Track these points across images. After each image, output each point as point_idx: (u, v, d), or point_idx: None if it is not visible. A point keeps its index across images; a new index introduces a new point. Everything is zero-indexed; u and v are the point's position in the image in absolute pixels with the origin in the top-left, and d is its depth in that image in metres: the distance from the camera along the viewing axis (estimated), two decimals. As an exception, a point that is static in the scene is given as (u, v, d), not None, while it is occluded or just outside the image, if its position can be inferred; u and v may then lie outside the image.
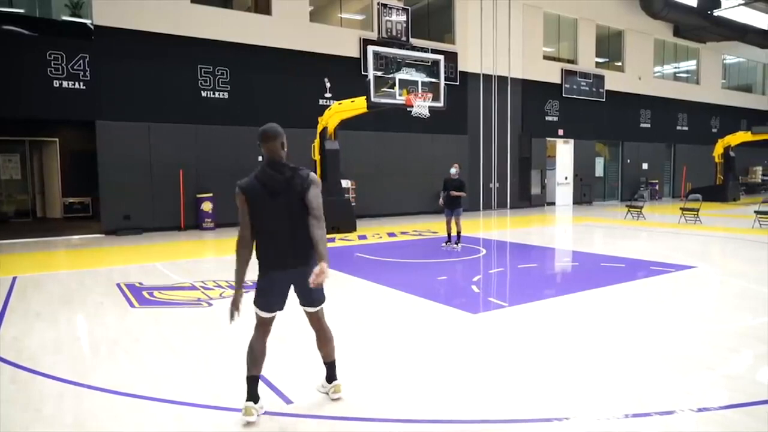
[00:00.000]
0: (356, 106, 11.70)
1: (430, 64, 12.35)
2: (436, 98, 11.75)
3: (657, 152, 24.19)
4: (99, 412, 3.20)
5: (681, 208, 14.23)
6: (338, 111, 12.17)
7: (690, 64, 26.04)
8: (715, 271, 7.70)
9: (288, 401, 3.32)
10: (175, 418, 3.14)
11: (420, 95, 11.42)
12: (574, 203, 21.21)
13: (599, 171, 22.74)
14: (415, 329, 4.94)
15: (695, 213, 13.58)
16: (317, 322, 3.29)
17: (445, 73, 12.39)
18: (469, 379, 3.69)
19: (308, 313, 3.24)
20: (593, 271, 7.85)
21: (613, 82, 21.91)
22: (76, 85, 11.75)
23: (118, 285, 6.88)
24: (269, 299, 3.08)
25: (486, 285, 6.95)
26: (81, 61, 11.75)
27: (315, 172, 12.44)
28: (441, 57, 12.36)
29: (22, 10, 11.72)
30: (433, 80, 12.08)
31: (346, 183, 14.04)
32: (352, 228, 12.56)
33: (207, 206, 12.96)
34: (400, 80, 11.53)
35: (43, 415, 3.18)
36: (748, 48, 26.53)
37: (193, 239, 11.57)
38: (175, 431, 3.00)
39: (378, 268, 8.08)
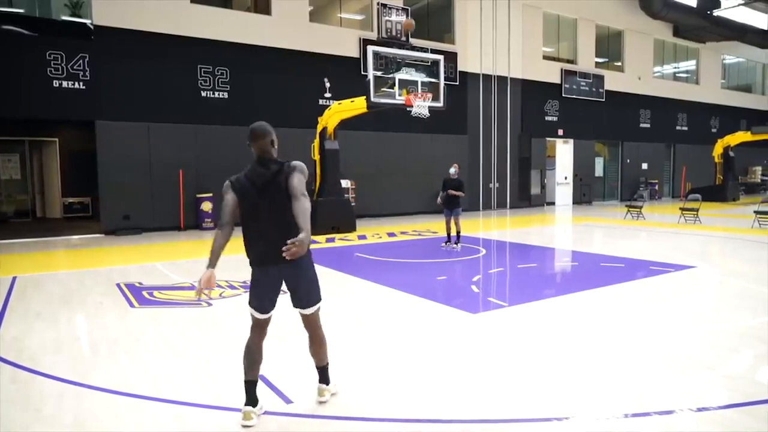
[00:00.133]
0: (356, 106, 11.70)
1: (429, 64, 12.35)
2: (435, 98, 11.75)
3: (656, 152, 24.20)
4: (99, 412, 3.20)
5: (680, 208, 14.24)
6: (338, 111, 12.17)
7: (690, 64, 26.05)
8: (715, 271, 7.70)
9: (288, 401, 3.32)
10: (175, 418, 3.14)
11: (420, 95, 11.42)
12: (573, 203, 21.22)
13: (599, 171, 22.75)
14: (415, 329, 4.94)
15: (695, 213, 13.59)
16: (311, 325, 3.21)
17: (444, 73, 12.39)
18: (468, 378, 3.69)
19: (303, 316, 3.17)
20: (593, 271, 7.85)
21: (613, 82, 21.92)
22: (76, 85, 11.75)
23: (118, 285, 6.88)
24: (261, 298, 3.05)
25: (486, 285, 6.95)
26: (81, 61, 11.75)
27: (315, 171, 12.53)
28: (441, 57, 12.36)
29: (21, 10, 11.72)
30: (433, 80, 12.09)
31: (345, 183, 14.05)
32: (351, 228, 12.56)
33: (207, 206, 12.96)
34: (399, 80, 11.53)
35: (43, 415, 3.18)
36: (747, 48, 26.55)
37: (193, 239, 11.57)
38: (175, 431, 3.00)
39: (378, 268, 8.09)
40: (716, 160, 22.06)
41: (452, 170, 9.54)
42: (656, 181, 23.86)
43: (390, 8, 12.53)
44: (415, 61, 12.12)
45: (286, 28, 14.29)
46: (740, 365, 3.98)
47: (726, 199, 21.17)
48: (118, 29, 12.05)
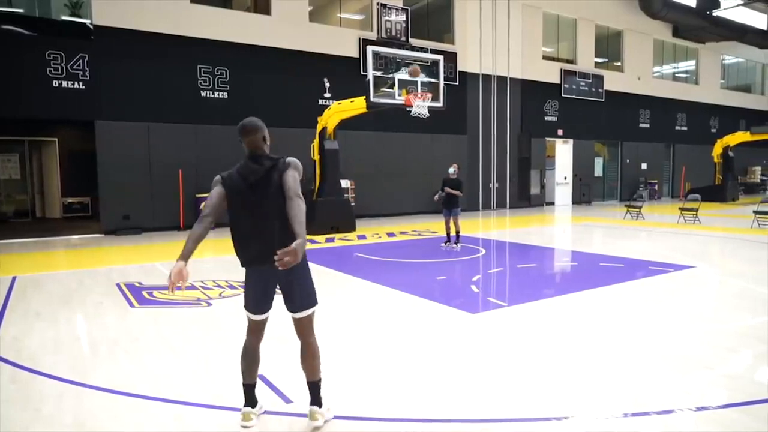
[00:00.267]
0: (356, 106, 11.70)
1: (429, 64, 12.35)
2: (435, 98, 11.75)
3: (656, 152, 24.21)
4: (99, 412, 3.21)
5: (680, 208, 14.25)
6: (338, 111, 12.17)
7: (689, 64, 26.07)
8: (714, 271, 7.71)
9: (288, 401, 3.32)
10: (175, 417, 3.14)
11: (419, 95, 11.42)
12: (573, 203, 21.23)
13: (598, 171, 22.76)
14: (415, 329, 4.94)
15: (694, 213, 13.60)
16: (304, 331, 2.99)
17: (444, 73, 12.39)
18: (468, 378, 3.69)
19: (294, 320, 2.98)
20: (592, 271, 7.86)
21: (613, 82, 21.93)
22: (76, 85, 11.75)
23: (118, 285, 6.88)
24: (255, 299, 2.96)
25: (485, 285, 6.96)
26: (80, 60, 11.75)
27: (314, 171, 12.53)
28: (440, 57, 12.37)
29: (21, 10, 11.72)
30: (433, 80, 12.09)
31: (345, 183, 14.05)
32: (351, 228, 12.57)
33: (206, 206, 12.94)
34: (399, 80, 11.53)
35: (43, 414, 3.18)
36: (747, 48, 26.56)
37: (193, 239, 11.56)
38: (175, 431, 3.00)
39: (377, 268, 8.09)
40: (716, 160, 22.08)
41: (451, 170, 9.55)
42: (656, 181, 23.88)
43: (390, 8, 12.55)
44: (415, 61, 12.12)
45: (286, 28, 14.29)
46: (739, 365, 3.98)
47: (725, 199, 21.18)
48: (117, 29, 12.04)
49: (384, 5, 12.46)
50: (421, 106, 11.36)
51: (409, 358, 4.13)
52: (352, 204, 13.90)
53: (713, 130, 26.17)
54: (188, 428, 3.02)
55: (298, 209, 2.68)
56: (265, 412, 3.14)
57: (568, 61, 21.00)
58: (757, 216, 12.64)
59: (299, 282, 2.91)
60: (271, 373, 3.68)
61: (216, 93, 13.39)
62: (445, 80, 12.38)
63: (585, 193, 21.56)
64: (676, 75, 25.71)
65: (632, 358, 4.06)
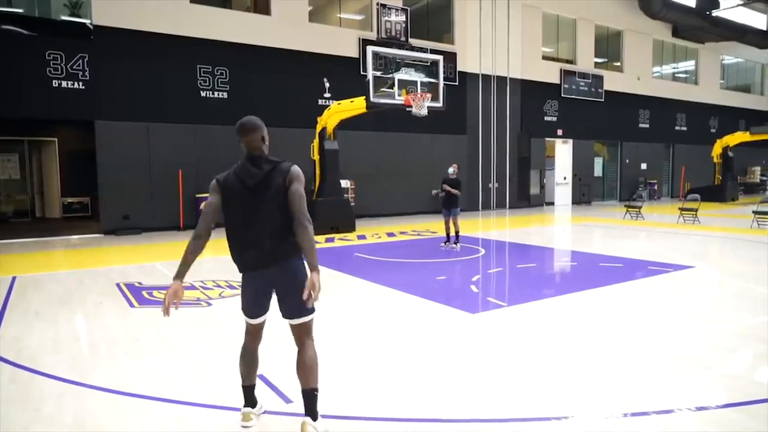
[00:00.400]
0: (355, 106, 11.71)
1: (429, 64, 12.36)
2: (435, 98, 11.76)
3: (656, 152, 24.22)
4: (99, 412, 3.21)
5: (680, 208, 14.26)
6: (337, 111, 12.18)
7: (689, 65, 26.09)
8: (714, 271, 7.72)
9: (287, 400, 3.33)
10: (175, 417, 3.14)
11: (420, 95, 11.42)
12: (572, 203, 21.24)
13: (598, 171, 22.77)
14: (415, 329, 4.95)
15: (694, 213, 13.61)
16: (300, 338, 2.87)
17: (444, 73, 12.40)
18: (468, 378, 3.70)
19: (291, 327, 2.87)
20: (592, 271, 7.87)
21: (612, 82, 21.94)
22: (76, 85, 11.75)
23: (118, 285, 6.88)
24: (251, 303, 2.90)
25: (485, 285, 6.96)
26: (80, 60, 11.75)
27: (314, 172, 12.53)
28: (440, 57, 12.38)
29: (21, 10, 11.71)
30: (432, 80, 12.10)
31: (345, 183, 14.05)
32: (351, 228, 12.57)
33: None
34: (399, 80, 11.54)
35: (43, 414, 3.19)
36: (746, 48, 26.58)
37: (193, 239, 11.56)
38: (175, 431, 3.00)
39: (377, 268, 8.09)
40: (715, 160, 22.09)
41: (451, 170, 9.56)
42: (655, 181, 23.89)
43: (389, 8, 12.55)
44: (415, 61, 12.13)
45: (286, 28, 14.29)
46: (739, 365, 3.99)
47: (725, 199, 21.20)
48: (117, 29, 12.04)
49: (384, 5, 12.47)
50: (420, 106, 11.37)
51: (409, 358, 4.13)
52: (352, 204, 13.90)
53: (713, 130, 26.19)
54: (188, 428, 3.02)
55: (311, 240, 2.68)
56: (265, 412, 3.14)
57: (567, 61, 21.01)
58: (757, 216, 12.65)
59: (295, 288, 2.77)
60: (271, 373, 3.68)
61: (216, 93, 13.39)
62: (444, 80, 12.38)
63: (585, 193, 21.58)
64: (676, 75, 25.73)
65: (632, 358, 4.06)
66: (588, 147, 21.79)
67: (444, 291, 6.71)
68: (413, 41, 14.03)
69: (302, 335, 2.88)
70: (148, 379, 3.71)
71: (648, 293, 6.25)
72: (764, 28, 24.91)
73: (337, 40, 15.22)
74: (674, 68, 25.59)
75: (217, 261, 8.65)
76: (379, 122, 15.45)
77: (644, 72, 23.34)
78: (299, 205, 2.71)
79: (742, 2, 22.74)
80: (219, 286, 6.73)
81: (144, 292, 6.44)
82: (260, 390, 3.21)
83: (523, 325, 5.03)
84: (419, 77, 12.07)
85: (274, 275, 2.80)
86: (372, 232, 12.60)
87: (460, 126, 17.80)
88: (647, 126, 23.70)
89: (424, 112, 11.39)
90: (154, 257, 9.26)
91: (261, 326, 3.01)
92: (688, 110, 25.28)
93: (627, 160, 23.14)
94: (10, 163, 15.41)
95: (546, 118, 20.17)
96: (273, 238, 2.72)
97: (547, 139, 20.29)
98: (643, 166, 23.70)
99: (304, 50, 14.55)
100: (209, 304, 5.84)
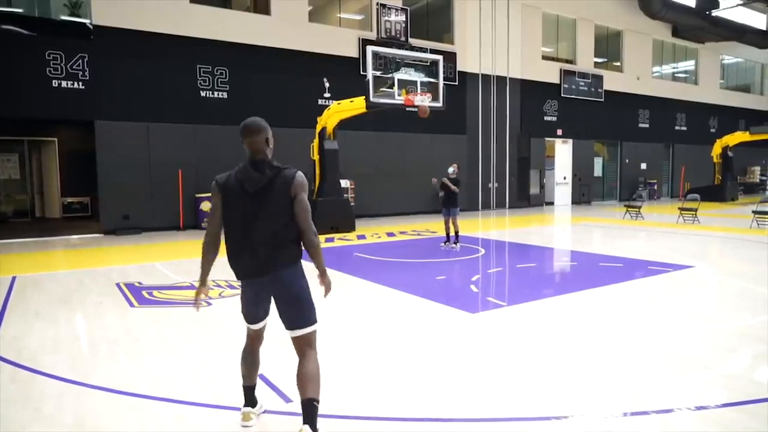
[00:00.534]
0: (355, 106, 11.71)
1: (429, 64, 12.37)
2: (435, 98, 11.76)
3: (655, 152, 24.23)
4: (99, 412, 3.21)
5: (679, 208, 14.26)
6: (337, 111, 12.18)
7: (688, 65, 26.09)
8: (714, 271, 7.72)
9: (287, 400, 3.33)
10: (176, 417, 3.14)
11: (420, 94, 11.42)
12: (572, 203, 21.25)
13: (598, 171, 22.77)
14: (414, 329, 4.95)
15: (693, 213, 13.61)
16: (301, 349, 2.77)
17: (443, 73, 12.40)
18: (467, 378, 3.70)
19: (293, 339, 2.79)
20: (592, 271, 7.87)
21: (612, 82, 21.95)
22: (75, 85, 11.75)
23: (118, 285, 6.88)
24: (249, 309, 2.86)
25: (485, 285, 6.96)
26: (80, 60, 11.75)
27: (314, 171, 12.53)
28: (440, 57, 12.38)
29: (20, 10, 11.72)
30: (432, 80, 12.10)
31: (345, 183, 14.06)
32: (351, 228, 12.57)
33: (206, 206, 12.95)
34: (399, 80, 11.55)
35: (43, 414, 3.19)
36: (746, 48, 26.59)
37: (192, 239, 11.56)
38: (175, 431, 3.01)
39: (377, 268, 8.09)
40: (715, 160, 22.10)
41: (451, 170, 9.56)
42: (655, 181, 23.90)
43: (389, 8, 12.56)
44: (415, 61, 12.13)
45: (286, 28, 14.30)
46: (738, 364, 3.99)
47: (725, 199, 21.21)
48: (117, 29, 12.04)
49: (384, 5, 12.48)
50: (422, 105, 11.37)
51: (409, 358, 4.13)
52: (352, 204, 13.91)
53: (712, 130, 26.19)
54: (188, 428, 3.03)
55: (319, 252, 2.77)
56: (265, 412, 3.14)
57: (567, 61, 21.02)
58: (756, 216, 12.65)
59: (295, 298, 2.73)
60: (271, 372, 3.68)
61: (216, 93, 13.39)
62: (444, 80, 12.38)
63: (584, 193, 21.58)
64: (676, 75, 25.73)
65: (632, 357, 4.07)
66: (588, 147, 21.80)
67: (444, 291, 6.71)
68: (413, 41, 14.05)
69: (303, 347, 2.78)
70: (148, 379, 3.71)
71: (648, 293, 6.26)
72: (764, 28, 24.92)
73: (337, 40, 15.22)
74: (674, 68, 25.60)
75: (217, 261, 8.67)
76: (379, 122, 15.45)
77: (644, 72, 23.34)
78: (305, 219, 2.69)
79: (741, 2, 22.74)
80: (219, 286, 6.73)
81: (144, 292, 6.45)
82: (260, 390, 3.22)
83: (522, 324, 5.03)
84: (419, 77, 12.08)
85: (273, 285, 2.73)
86: (372, 232, 12.60)
87: (460, 126, 17.81)
88: (647, 126, 23.71)
89: (427, 108, 11.39)
90: (154, 257, 9.26)
91: (261, 330, 2.99)
92: (688, 110, 25.29)
93: (627, 160, 23.15)
94: (10, 163, 15.41)
95: (546, 118, 20.17)
96: (267, 247, 2.65)
97: (546, 138, 20.29)
98: (643, 166, 23.70)
99: (304, 50, 14.55)
100: (209, 304, 5.84)
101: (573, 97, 20.64)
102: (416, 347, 4.41)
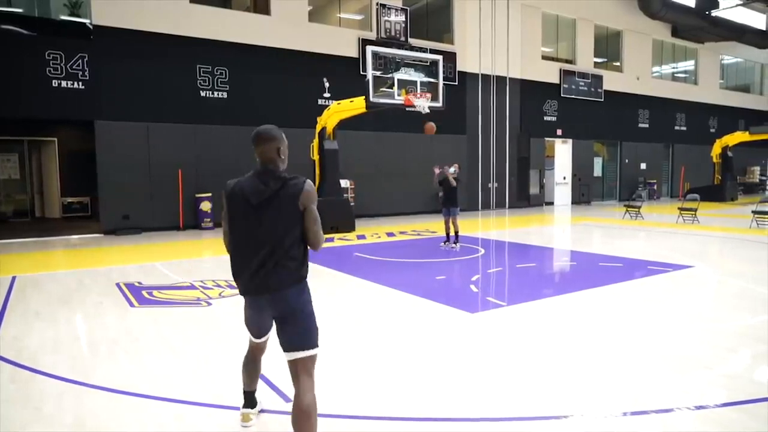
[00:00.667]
0: (355, 106, 11.71)
1: (428, 64, 12.37)
2: (434, 98, 11.77)
3: (655, 152, 24.23)
4: (99, 411, 3.21)
5: (679, 208, 14.27)
6: (337, 111, 12.18)
7: (688, 65, 26.10)
8: (713, 271, 7.72)
9: (287, 400, 3.33)
10: (176, 417, 3.15)
11: (420, 95, 11.42)
12: (572, 203, 21.25)
13: (597, 171, 22.78)
14: (414, 329, 4.95)
15: (693, 213, 13.61)
16: (298, 378, 2.52)
17: (443, 73, 12.41)
18: (467, 378, 3.70)
19: (289, 363, 2.55)
20: (591, 271, 7.87)
21: (612, 82, 21.95)
22: (75, 85, 11.75)
23: (118, 284, 6.88)
24: (252, 323, 2.73)
25: (484, 284, 6.97)
26: (80, 60, 11.75)
27: (314, 171, 12.53)
28: (440, 57, 12.38)
29: (20, 10, 11.71)
30: (432, 80, 12.10)
31: (345, 183, 14.06)
32: (350, 228, 12.57)
33: (206, 206, 12.96)
34: (398, 80, 11.55)
35: (43, 414, 3.19)
36: (745, 48, 26.59)
37: (192, 239, 11.57)
38: (175, 430, 3.01)
39: (377, 268, 8.10)
40: (714, 160, 22.10)
41: (451, 170, 9.57)
42: (655, 181, 23.90)
43: (389, 8, 12.56)
44: (414, 61, 12.13)
45: (286, 28, 14.30)
46: (738, 364, 3.99)
47: (724, 199, 21.21)
48: (117, 29, 12.04)
49: (383, 5, 12.49)
50: (422, 106, 11.37)
51: (409, 358, 4.14)
52: (352, 204, 13.90)
53: (712, 130, 26.20)
54: (188, 428, 3.03)
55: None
56: (264, 411, 3.15)
57: (567, 61, 21.02)
58: (756, 216, 12.65)
59: (298, 319, 2.53)
60: (272, 372, 3.68)
61: (216, 93, 13.39)
62: (444, 80, 12.39)
63: (584, 193, 21.59)
64: (675, 75, 25.74)
65: (631, 357, 4.07)
66: (587, 147, 21.80)
67: (444, 291, 6.71)
68: (413, 41, 14.05)
69: (300, 373, 2.52)
70: (148, 379, 3.72)
71: (647, 293, 6.26)
72: (763, 28, 24.93)
73: (337, 40, 15.22)
74: (674, 68, 25.60)
75: (217, 261, 8.67)
76: (378, 122, 15.45)
77: (644, 72, 23.35)
78: (316, 232, 2.53)
79: (741, 2, 22.75)
80: (219, 286, 6.73)
81: (144, 292, 6.45)
82: (260, 390, 3.22)
83: (522, 324, 5.03)
84: (419, 77, 12.08)
85: (273, 303, 2.53)
86: (372, 231, 12.60)
87: (460, 126, 17.81)
88: (647, 126, 23.71)
89: (426, 109, 11.39)
90: (154, 257, 9.26)
91: (264, 343, 2.92)
92: (688, 110, 25.29)
93: (626, 160, 23.15)
94: (9, 163, 15.41)
95: (545, 118, 20.17)
96: (269, 265, 2.46)
97: (546, 138, 20.29)
98: (643, 166, 23.71)
99: (303, 50, 14.55)
100: (209, 304, 5.84)
101: (573, 97, 20.65)
102: (416, 347, 4.42)
